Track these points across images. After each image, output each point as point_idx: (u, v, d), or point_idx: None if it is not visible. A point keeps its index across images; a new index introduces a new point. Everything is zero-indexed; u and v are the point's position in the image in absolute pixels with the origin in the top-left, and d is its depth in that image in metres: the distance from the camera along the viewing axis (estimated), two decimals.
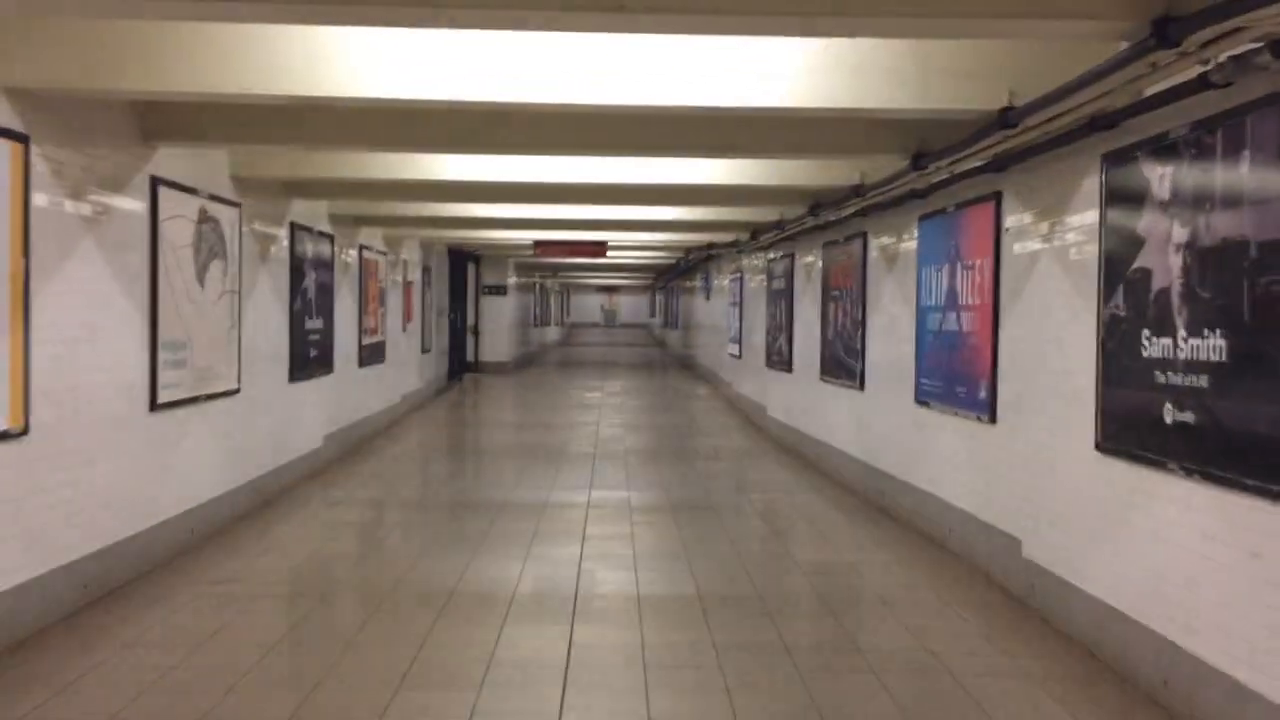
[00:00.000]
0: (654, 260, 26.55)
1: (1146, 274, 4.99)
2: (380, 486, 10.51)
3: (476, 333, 26.18)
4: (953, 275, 7.83)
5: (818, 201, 10.21)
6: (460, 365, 23.28)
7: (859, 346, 10.34)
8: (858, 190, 8.58)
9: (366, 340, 13.65)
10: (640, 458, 12.64)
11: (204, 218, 7.83)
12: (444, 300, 21.09)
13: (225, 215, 8.26)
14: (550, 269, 34.66)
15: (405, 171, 8.74)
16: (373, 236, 14.07)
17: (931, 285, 8.28)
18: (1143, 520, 5.08)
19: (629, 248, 20.66)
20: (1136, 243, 5.10)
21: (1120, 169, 5.30)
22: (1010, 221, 6.90)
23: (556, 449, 13.18)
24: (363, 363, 13.46)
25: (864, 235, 10.23)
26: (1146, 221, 5.02)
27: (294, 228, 10.23)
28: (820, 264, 11.93)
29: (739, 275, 18.25)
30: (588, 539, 8.07)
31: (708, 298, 24.69)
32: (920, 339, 8.54)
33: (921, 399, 8.48)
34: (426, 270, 18.91)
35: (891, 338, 9.39)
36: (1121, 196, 5.29)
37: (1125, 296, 5.20)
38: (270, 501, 9.34)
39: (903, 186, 8.03)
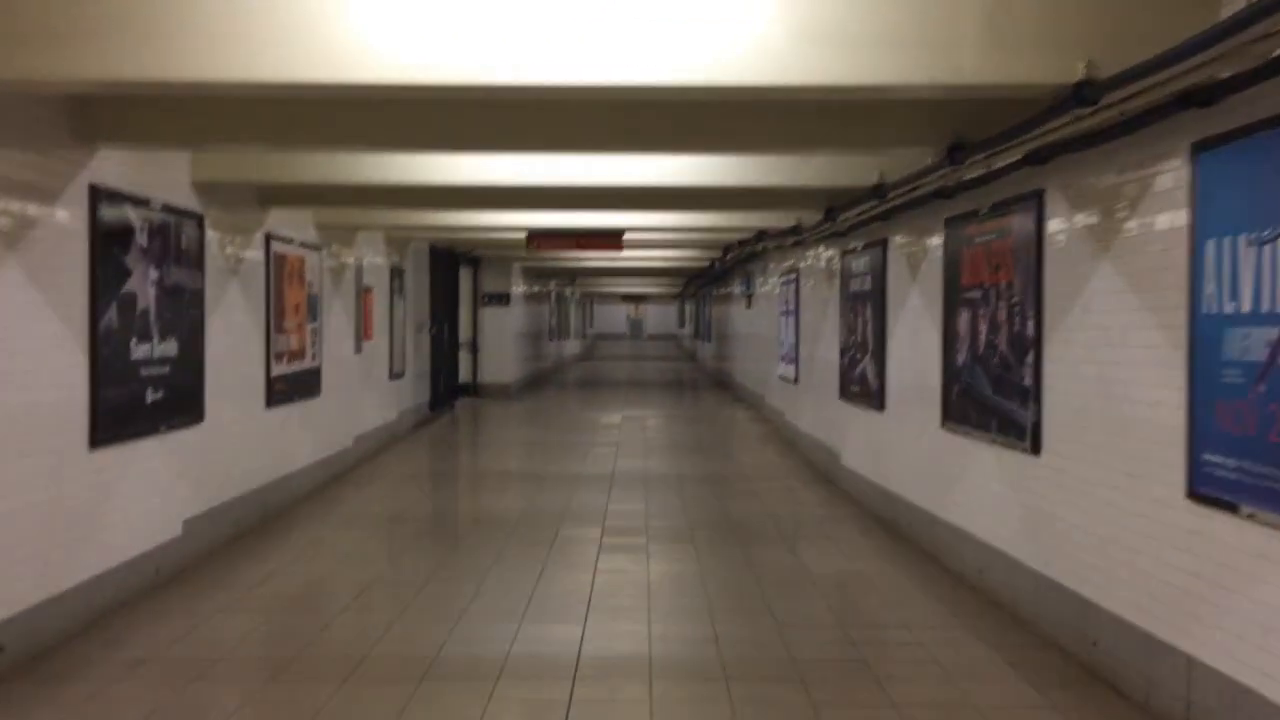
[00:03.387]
0: (684, 263, 22.51)
1: None
2: (241, 622, 6.48)
3: (475, 350, 22.18)
4: None
5: (957, 142, 6.11)
6: (450, 390, 19.29)
7: (1028, 381, 6.23)
8: (1078, 93, 4.44)
9: (282, 368, 9.67)
10: (669, 542, 8.58)
11: None
12: (425, 311, 17.10)
13: None
14: (567, 275, 30.71)
15: (314, 70, 4.51)
16: (294, 222, 10.10)
17: (1238, 274, 4.19)
18: None
19: (654, 245, 16.61)
20: None
21: None
22: None
23: (546, 525, 9.13)
24: (275, 400, 9.47)
25: (1038, 197, 6.13)
26: None
27: (99, 196, 6.24)
28: (940, 250, 7.83)
29: (793, 275, 14.16)
30: None
31: (749, 305, 20.60)
32: (1202, 378, 4.45)
33: (1208, 491, 4.38)
34: (398, 274, 14.95)
35: (1108, 371, 5.30)
36: None
37: None
38: (36, 659, 5.36)
39: (1185, 76, 3.94)
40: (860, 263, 10.23)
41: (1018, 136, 5.29)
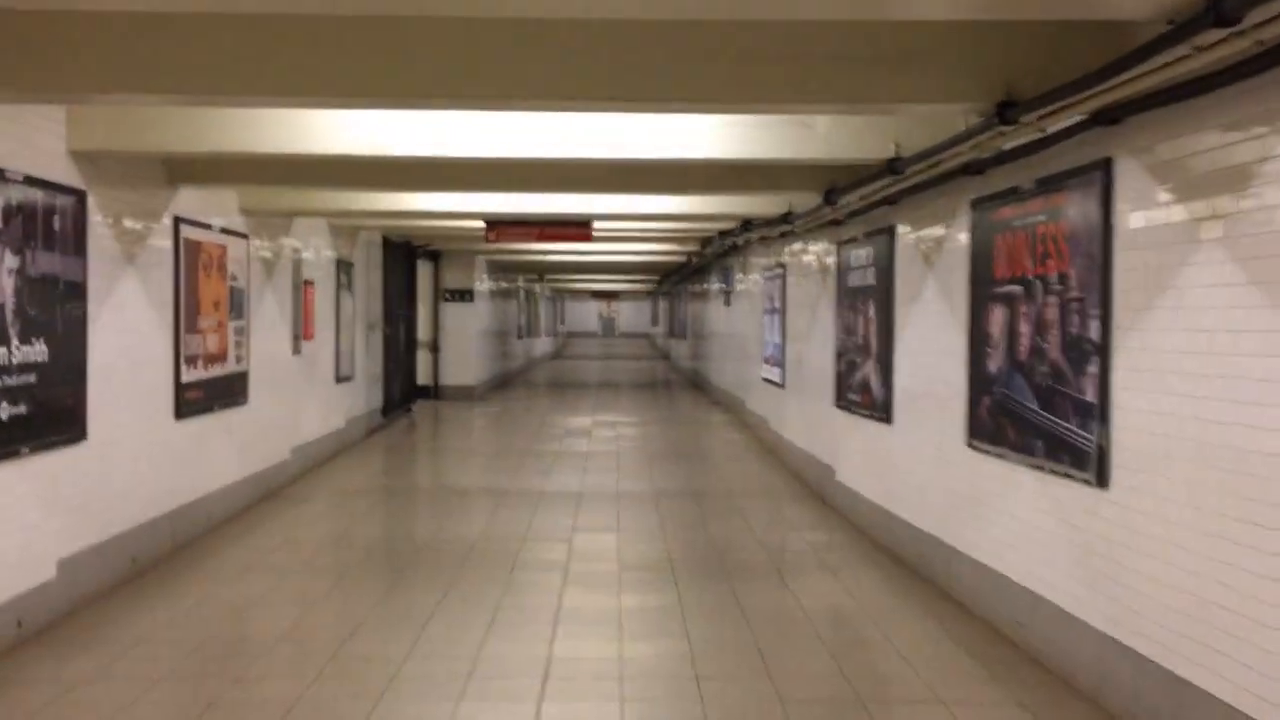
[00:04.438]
0: (658, 258, 21.31)
1: None
2: (105, 698, 5.20)
3: (436, 350, 20.85)
4: None
5: (1007, 98, 4.87)
6: (408, 393, 17.96)
7: (1090, 396, 5.04)
8: (1218, 7, 3.24)
9: (196, 373, 8.36)
10: (645, 575, 7.35)
11: None
12: (378, 309, 15.78)
13: None
14: (536, 270, 29.42)
15: None
16: (214, 205, 8.78)
17: None
18: None
19: (627, 238, 15.39)
20: None
21: None
22: None
23: (503, 555, 7.88)
24: (187, 410, 8.16)
25: (1105, 168, 4.93)
26: None
27: None
28: (966, 237, 6.63)
29: (780, 270, 12.96)
30: None
31: (727, 302, 19.40)
32: None
33: None
34: (345, 267, 13.63)
35: (1212, 387, 4.11)
36: None
37: None
38: None
39: None
40: (861, 254, 9.03)
41: (1107, 80, 4.07)
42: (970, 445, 6.52)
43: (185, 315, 8.12)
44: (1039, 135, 5.25)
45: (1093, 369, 5.02)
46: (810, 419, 11.18)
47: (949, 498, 6.91)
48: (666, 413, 19.88)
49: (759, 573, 7.47)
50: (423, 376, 20.13)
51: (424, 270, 20.09)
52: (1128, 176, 4.78)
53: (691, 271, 24.06)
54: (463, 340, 21.23)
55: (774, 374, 13.58)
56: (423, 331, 20.09)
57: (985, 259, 6.31)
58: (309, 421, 11.86)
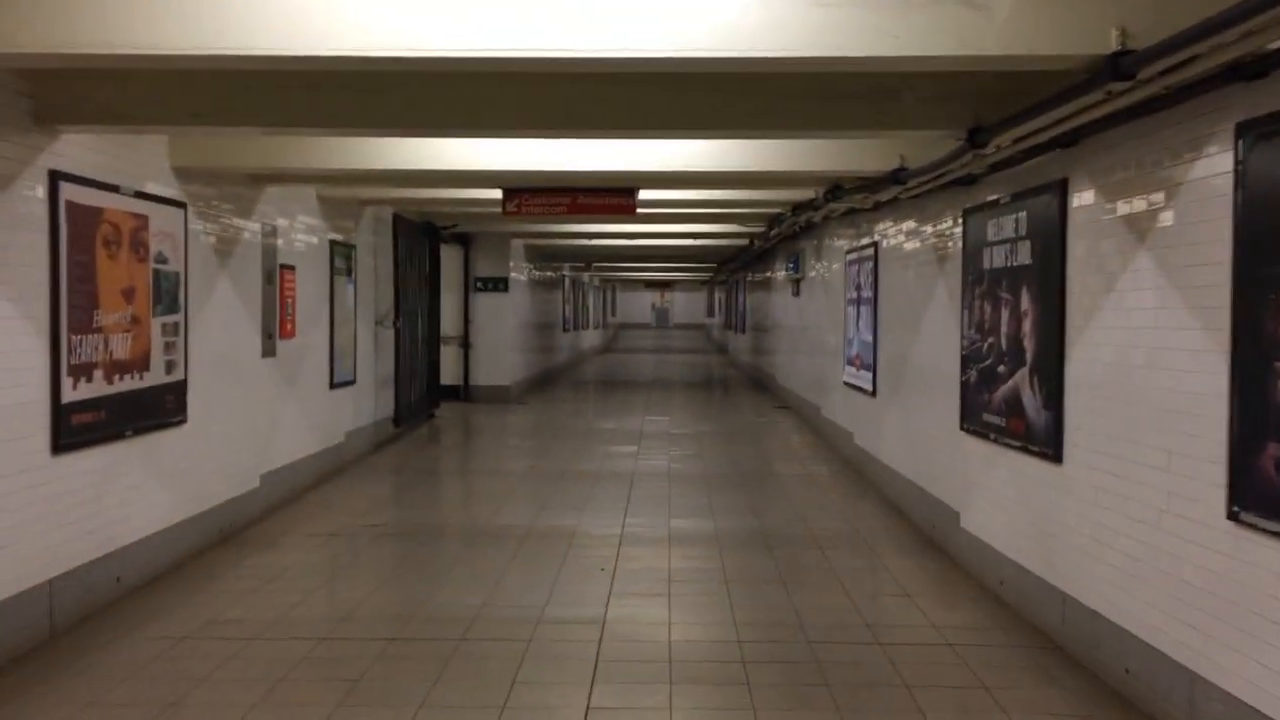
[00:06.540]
0: (717, 241, 18.90)
1: None
2: None
3: (466, 346, 18.60)
4: None
5: None
6: (429, 397, 15.68)
7: None
8: None
9: (94, 388, 6.10)
10: (707, 689, 4.97)
11: None
12: (387, 299, 13.50)
13: None
14: (581, 258, 27.11)
15: None
16: (127, 160, 6.51)
17: None
18: None
19: (681, 215, 13.01)
20: None
21: None
22: None
23: (509, 643, 5.53)
24: (75, 441, 5.91)
25: None
26: None
27: None
28: (1228, 188, 4.12)
29: (870, 249, 10.49)
30: None
31: (796, 292, 16.93)
32: None
33: None
34: (342, 250, 11.36)
35: None
36: None
37: None
38: None
39: None
40: (1005, 223, 6.54)
41: None
42: (1236, 519, 4.04)
43: (71, 310, 5.85)
44: None
45: None
46: (919, 441, 8.71)
47: (1191, 596, 4.43)
48: (728, 420, 17.41)
49: (879, 690, 5.04)
50: (451, 376, 17.93)
51: (452, 256, 17.86)
52: None
53: (753, 257, 21.60)
54: (496, 335, 18.94)
55: (861, 379, 11.10)
56: (450, 325, 17.87)
57: (1269, 222, 3.82)
58: (288, 439, 9.61)
